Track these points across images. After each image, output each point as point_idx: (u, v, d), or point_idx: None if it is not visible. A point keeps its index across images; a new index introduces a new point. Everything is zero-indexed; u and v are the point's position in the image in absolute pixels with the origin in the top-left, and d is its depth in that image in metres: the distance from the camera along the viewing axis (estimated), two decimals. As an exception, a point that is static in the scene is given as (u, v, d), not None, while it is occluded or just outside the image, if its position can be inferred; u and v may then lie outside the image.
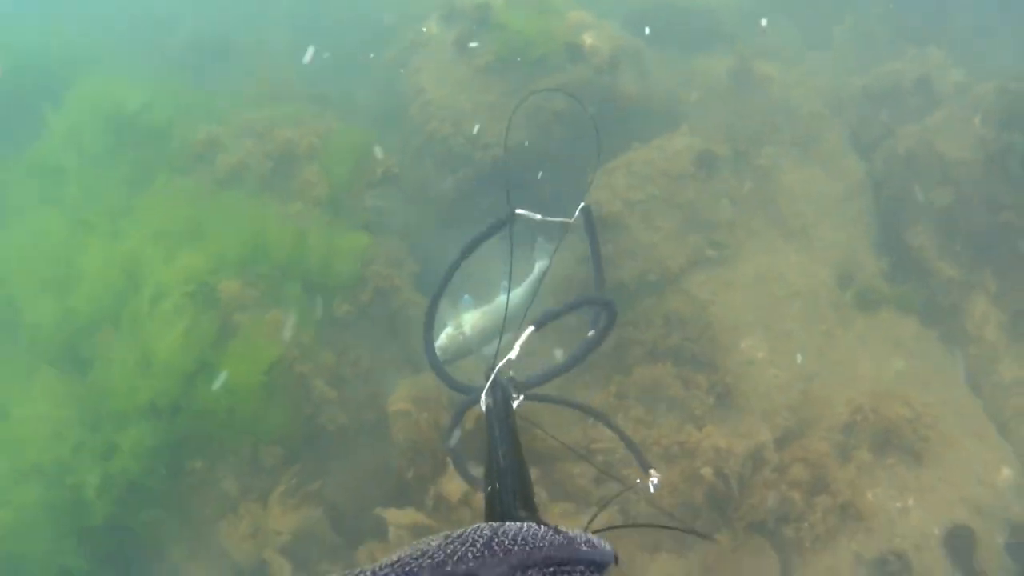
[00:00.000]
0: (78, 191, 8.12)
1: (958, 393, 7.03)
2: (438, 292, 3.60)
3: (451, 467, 5.88)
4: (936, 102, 8.25)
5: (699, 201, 7.54)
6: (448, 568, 0.91)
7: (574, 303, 3.67)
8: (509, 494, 1.92)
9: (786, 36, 10.36)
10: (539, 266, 6.70)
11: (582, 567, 0.95)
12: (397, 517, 5.65)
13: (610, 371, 6.78)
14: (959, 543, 6.06)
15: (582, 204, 3.68)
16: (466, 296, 6.61)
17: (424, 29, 8.98)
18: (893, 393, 6.58)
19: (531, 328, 3.24)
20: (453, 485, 5.85)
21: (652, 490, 4.07)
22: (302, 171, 7.93)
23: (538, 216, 3.43)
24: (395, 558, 0.96)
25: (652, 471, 4.15)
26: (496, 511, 1.87)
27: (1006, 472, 6.47)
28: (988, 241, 7.44)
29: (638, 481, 4.05)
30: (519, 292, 6.49)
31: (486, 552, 0.95)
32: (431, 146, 8.37)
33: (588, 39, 8.22)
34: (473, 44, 8.31)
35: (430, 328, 3.64)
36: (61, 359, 7.19)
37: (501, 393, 3.03)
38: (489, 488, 2.03)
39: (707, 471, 5.70)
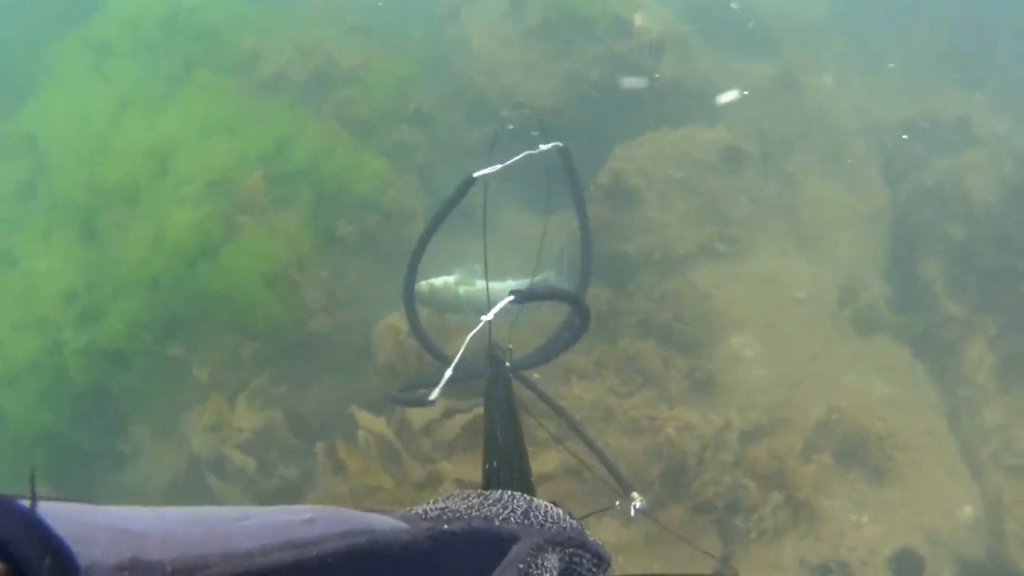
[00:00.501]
0: (125, 73, 8.30)
1: (937, 428, 6.97)
2: (413, 260, 3.57)
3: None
4: (972, 143, 8.21)
5: (719, 193, 7.56)
6: (496, 523, 0.93)
7: (557, 293, 3.67)
8: (508, 472, 1.97)
9: (841, 57, 10.34)
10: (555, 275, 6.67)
11: (590, 556, 0.98)
12: (369, 421, 5.71)
13: (595, 338, 6.81)
14: (906, 567, 6.03)
15: (559, 143, 3.63)
16: (477, 266, 6.65)
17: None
18: (872, 409, 6.58)
19: (510, 299, 3.18)
20: (417, 413, 5.92)
21: (633, 513, 4.06)
22: (339, 92, 8.03)
23: (498, 166, 3.39)
24: (442, 504, 0.99)
25: (635, 495, 4.15)
26: (492, 487, 1.81)
27: (968, 510, 6.43)
28: (997, 285, 7.39)
29: (617, 504, 4.03)
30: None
31: (524, 521, 0.96)
32: (465, 95, 8.46)
33: (639, 18, 8.26)
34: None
35: (411, 300, 3.61)
36: (79, 225, 7.37)
37: (502, 370, 3.10)
38: (487, 466, 2.08)
39: (669, 433, 5.71)
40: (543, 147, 3.60)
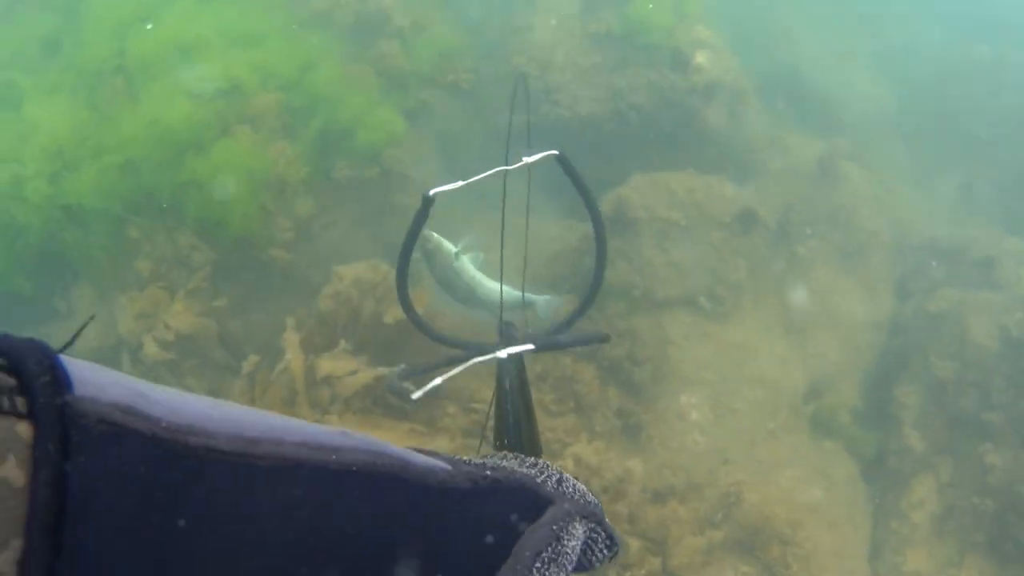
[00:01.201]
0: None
1: (853, 553, 6.75)
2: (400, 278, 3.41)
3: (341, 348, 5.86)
4: (991, 286, 7.90)
5: (720, 250, 7.35)
6: (539, 481, 0.93)
7: (579, 340, 3.50)
8: (519, 451, 1.79)
9: (894, 156, 10.07)
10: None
11: (604, 536, 0.97)
12: (292, 339, 5.63)
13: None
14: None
15: (554, 151, 3.38)
16: (480, 254, 6.44)
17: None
18: (791, 511, 6.36)
19: (531, 347, 3.13)
20: (337, 363, 5.83)
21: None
22: (381, 44, 7.95)
23: (460, 183, 3.21)
24: (480, 459, 0.98)
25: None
26: None
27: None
28: (964, 434, 7.11)
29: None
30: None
31: (558, 488, 0.96)
32: (510, 81, 8.32)
33: (700, 56, 8.06)
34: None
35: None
36: (88, 90, 7.40)
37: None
38: (498, 443, 2.09)
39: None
40: (526, 159, 3.30)
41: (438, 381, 2.95)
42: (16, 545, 0.49)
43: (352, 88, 7.38)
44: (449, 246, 6.41)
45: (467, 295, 5.82)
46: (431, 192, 3.16)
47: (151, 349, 6.10)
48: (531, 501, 0.83)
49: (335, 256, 6.97)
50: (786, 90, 9.83)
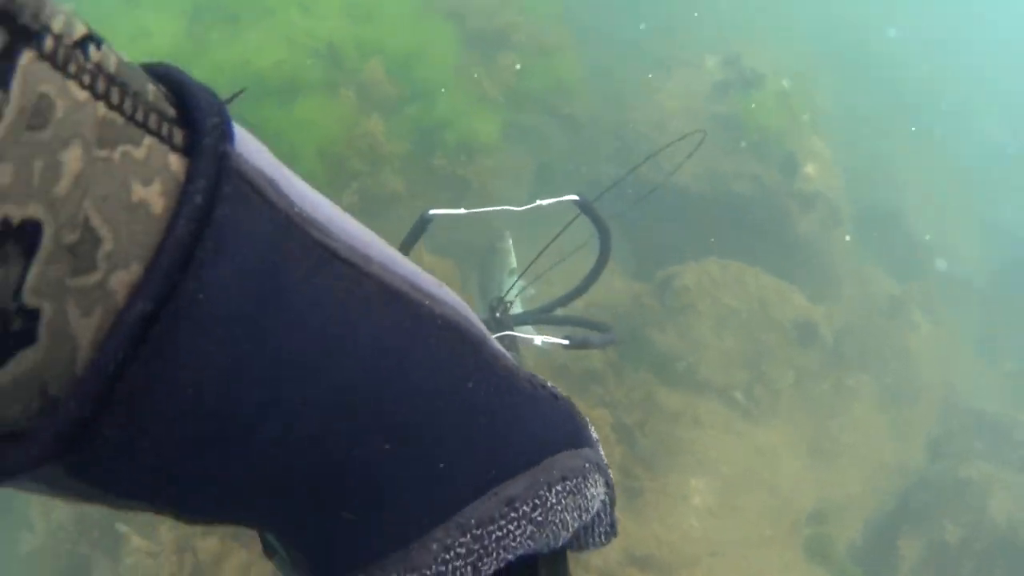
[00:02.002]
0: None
1: None
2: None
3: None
4: (1025, 470, 7.84)
5: (773, 351, 7.44)
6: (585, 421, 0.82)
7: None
8: None
9: (966, 321, 10.03)
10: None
11: (609, 519, 0.81)
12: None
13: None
14: None
15: (575, 196, 3.29)
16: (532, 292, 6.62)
17: (705, 61, 9.17)
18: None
19: (566, 341, 3.17)
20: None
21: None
22: (500, 56, 8.22)
23: (462, 210, 3.07)
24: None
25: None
26: None
27: None
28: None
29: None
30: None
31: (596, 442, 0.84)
32: (623, 133, 8.56)
33: (811, 167, 8.21)
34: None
35: None
36: (193, 15, 7.60)
37: (504, 323, 3.19)
38: None
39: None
40: (540, 202, 3.27)
41: None
42: (136, 269, 0.47)
43: (457, 88, 7.62)
44: (513, 260, 6.64)
45: (489, 291, 6.01)
46: (430, 212, 3.20)
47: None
48: (573, 432, 0.74)
49: (388, 233, 7.19)
50: (881, 224, 9.91)
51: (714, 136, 8.34)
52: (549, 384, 0.77)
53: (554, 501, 0.66)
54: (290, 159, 5.88)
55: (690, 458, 6.95)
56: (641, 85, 9.00)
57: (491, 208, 3.19)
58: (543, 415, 0.72)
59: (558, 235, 3.37)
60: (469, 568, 0.60)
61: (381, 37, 7.56)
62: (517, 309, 3.94)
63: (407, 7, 8.12)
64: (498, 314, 3.55)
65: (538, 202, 3.12)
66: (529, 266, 4.17)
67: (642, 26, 9.38)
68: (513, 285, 3.76)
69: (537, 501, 0.65)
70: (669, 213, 8.11)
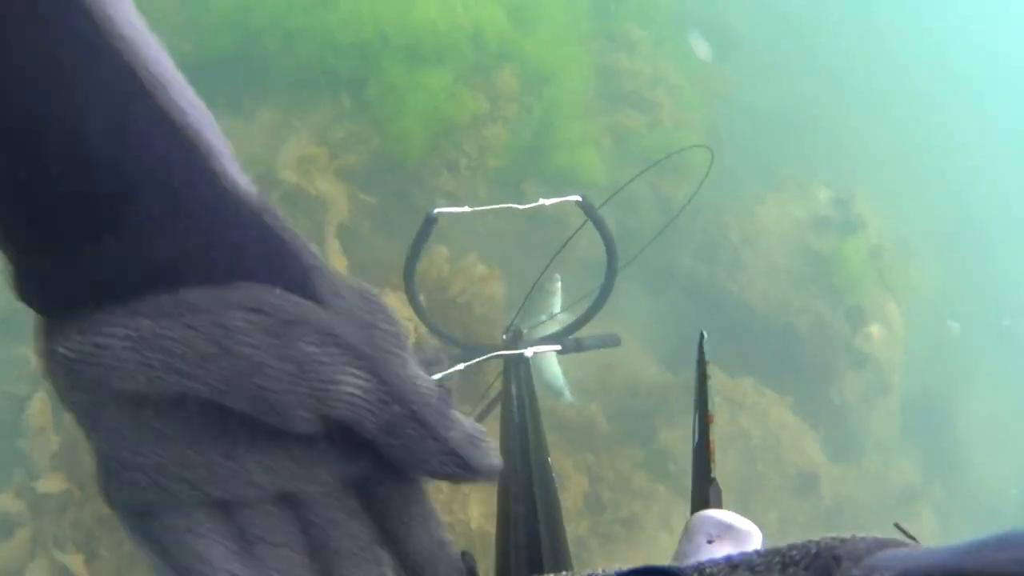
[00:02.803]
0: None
1: None
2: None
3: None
4: None
5: (766, 488, 7.28)
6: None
7: (596, 341, 3.57)
8: (523, 453, 1.98)
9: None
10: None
11: None
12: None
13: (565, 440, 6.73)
14: None
15: (578, 196, 3.19)
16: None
17: (819, 192, 9.06)
18: None
19: (558, 348, 3.29)
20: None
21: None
22: (628, 111, 8.29)
23: (467, 208, 3.12)
24: None
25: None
26: (509, 466, 1.89)
27: None
28: None
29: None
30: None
31: None
32: (711, 225, 8.48)
33: (876, 328, 8.02)
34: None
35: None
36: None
37: (521, 349, 3.07)
38: (503, 446, 2.08)
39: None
40: (543, 201, 3.20)
41: (460, 367, 2.90)
42: None
43: (576, 116, 7.67)
44: (557, 304, 6.67)
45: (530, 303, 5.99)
46: (435, 211, 3.19)
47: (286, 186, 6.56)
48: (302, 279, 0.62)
49: (466, 240, 7.25)
50: (929, 427, 9.64)
51: (795, 267, 8.26)
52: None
53: (241, 327, 0.57)
54: (395, 114, 5.99)
55: (643, 555, 6.82)
56: (748, 192, 8.93)
57: (495, 206, 3.23)
58: (257, 239, 0.61)
59: (563, 246, 3.34)
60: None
61: (529, 42, 7.65)
62: (533, 335, 3.95)
63: (569, 29, 8.21)
64: (506, 336, 3.54)
65: (541, 201, 3.12)
66: (539, 277, 4.18)
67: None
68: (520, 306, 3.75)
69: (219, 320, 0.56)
70: (724, 318, 8.03)
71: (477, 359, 3.05)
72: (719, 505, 1.24)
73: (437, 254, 6.54)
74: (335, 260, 6.37)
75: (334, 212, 6.80)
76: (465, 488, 6.12)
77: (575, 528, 6.53)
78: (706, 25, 10.95)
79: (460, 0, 7.34)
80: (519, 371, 2.80)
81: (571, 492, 6.29)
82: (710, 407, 1.32)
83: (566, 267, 7.23)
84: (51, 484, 4.94)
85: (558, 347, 3.32)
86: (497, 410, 2.98)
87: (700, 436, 1.32)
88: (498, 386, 3.75)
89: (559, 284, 6.74)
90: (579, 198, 3.08)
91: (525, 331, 3.71)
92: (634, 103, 8.43)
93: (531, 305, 6.35)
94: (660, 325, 8.18)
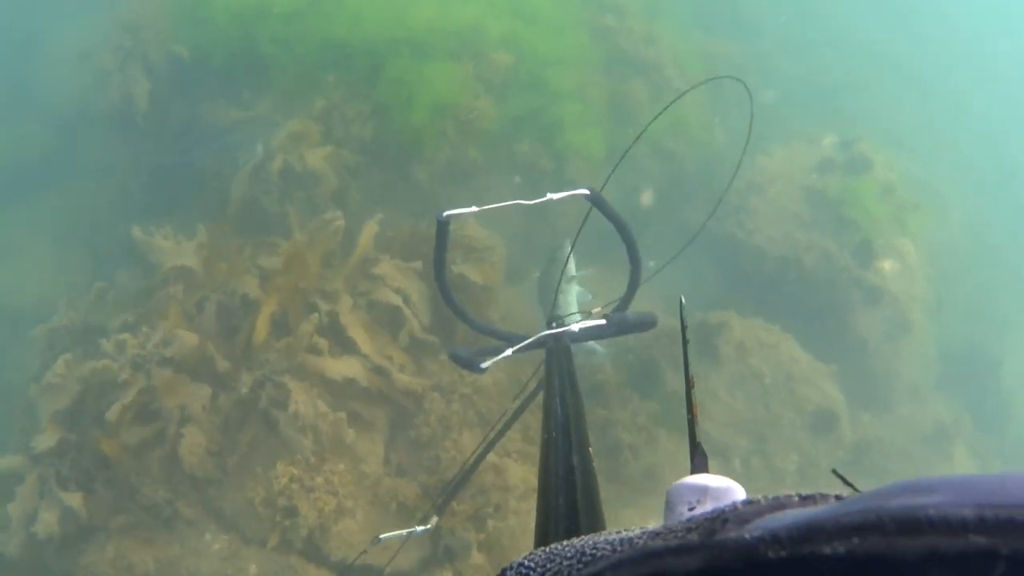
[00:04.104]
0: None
1: None
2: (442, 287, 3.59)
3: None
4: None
5: (782, 429, 7.15)
6: None
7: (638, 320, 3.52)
8: (566, 444, 2.02)
9: None
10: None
11: None
12: (370, 230, 6.13)
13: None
14: None
15: (585, 191, 3.25)
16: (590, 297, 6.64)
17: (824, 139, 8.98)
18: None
19: (603, 322, 3.28)
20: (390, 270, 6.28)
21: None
22: (633, 80, 8.33)
23: (474, 208, 3.18)
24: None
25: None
26: (550, 460, 1.95)
27: None
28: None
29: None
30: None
31: None
32: (717, 179, 8.45)
33: (888, 263, 7.87)
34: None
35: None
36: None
37: (561, 343, 3.14)
38: (545, 436, 2.14)
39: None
40: (550, 195, 3.21)
41: (508, 352, 3.02)
42: None
43: (577, 98, 7.79)
44: (572, 267, 6.70)
45: (547, 300, 6.00)
46: (444, 214, 3.16)
47: (277, 165, 6.79)
48: None
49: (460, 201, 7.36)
50: (966, 366, 9.34)
51: (801, 208, 8.18)
52: None
53: None
54: (404, 103, 6.20)
55: (657, 504, 6.73)
56: (754, 147, 8.89)
57: (503, 203, 3.25)
58: None
59: (579, 232, 3.38)
60: None
61: (527, 30, 7.84)
62: (575, 318, 3.96)
63: (567, 18, 8.37)
64: (554, 324, 3.58)
65: (548, 196, 3.16)
66: (564, 267, 4.16)
67: (770, 93, 9.24)
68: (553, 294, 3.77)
69: None
70: (736, 267, 7.98)
71: (526, 342, 3.10)
72: (704, 469, 1.39)
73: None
74: (336, 224, 6.50)
75: (325, 186, 7.04)
76: (509, 478, 6.15)
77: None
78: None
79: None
80: (561, 362, 2.84)
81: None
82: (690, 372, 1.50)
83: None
84: (49, 437, 5.25)
85: (603, 321, 3.31)
86: (539, 400, 2.96)
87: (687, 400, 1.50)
88: (533, 384, 3.80)
89: (570, 249, 6.76)
90: (587, 192, 3.15)
91: (564, 319, 3.75)
92: (639, 73, 8.54)
93: (549, 280, 6.40)
94: (668, 275, 8.14)
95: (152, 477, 5.60)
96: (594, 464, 1.97)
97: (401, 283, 6.37)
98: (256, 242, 6.63)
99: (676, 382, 7.00)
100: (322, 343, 5.86)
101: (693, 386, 1.51)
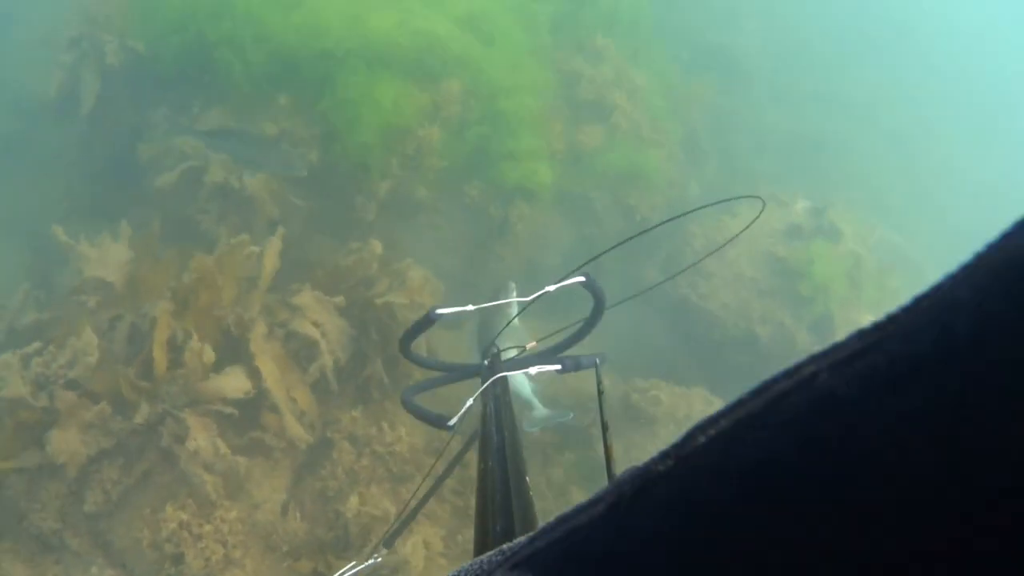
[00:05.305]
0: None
1: None
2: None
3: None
4: None
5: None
6: None
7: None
8: (503, 473, 2.01)
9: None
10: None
11: None
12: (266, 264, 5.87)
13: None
14: None
15: (582, 278, 3.17)
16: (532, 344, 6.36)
17: (796, 203, 8.66)
18: None
19: (559, 366, 3.37)
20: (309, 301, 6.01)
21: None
22: (588, 124, 8.05)
23: (470, 307, 3.23)
24: None
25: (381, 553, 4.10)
26: (487, 487, 1.95)
27: None
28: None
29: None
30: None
31: None
32: (676, 236, 8.17)
33: (870, 317, 7.55)
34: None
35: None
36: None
37: (498, 370, 3.16)
38: (482, 466, 2.12)
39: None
40: (548, 288, 3.20)
41: (469, 403, 3.01)
42: None
43: (532, 129, 7.48)
44: (514, 309, 6.43)
45: (487, 336, 5.71)
46: (437, 311, 3.19)
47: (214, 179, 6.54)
48: None
49: (405, 245, 7.09)
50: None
51: (762, 275, 7.88)
52: None
53: None
54: (351, 125, 5.95)
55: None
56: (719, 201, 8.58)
57: (500, 302, 3.54)
58: None
59: (543, 292, 3.25)
60: None
61: (485, 57, 7.54)
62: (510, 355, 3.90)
63: (524, 47, 8.07)
64: (487, 361, 3.59)
65: (546, 289, 3.09)
66: (521, 311, 4.07)
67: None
68: (503, 328, 3.77)
69: None
70: (686, 327, 7.69)
71: (492, 380, 3.06)
72: None
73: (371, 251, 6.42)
74: (270, 258, 6.24)
75: (261, 212, 6.76)
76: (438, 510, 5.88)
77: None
78: (698, 38, 10.76)
79: (417, 13, 7.33)
80: (496, 391, 2.85)
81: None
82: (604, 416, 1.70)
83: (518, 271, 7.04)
84: None
85: (559, 367, 3.38)
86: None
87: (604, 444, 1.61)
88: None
89: (514, 292, 6.48)
90: (583, 279, 3.08)
91: (500, 351, 3.73)
92: (595, 116, 8.24)
93: (492, 318, 6.12)
94: (618, 334, 7.84)
95: (42, 503, 5.34)
96: (531, 493, 1.97)
97: (320, 316, 6.08)
98: (182, 256, 6.35)
99: (596, 435, 6.70)
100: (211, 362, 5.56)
101: (608, 430, 1.76)
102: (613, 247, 2.92)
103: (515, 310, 6.43)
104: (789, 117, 11.12)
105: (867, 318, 7.81)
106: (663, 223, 3.36)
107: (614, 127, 8.05)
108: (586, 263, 3.02)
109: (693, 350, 7.56)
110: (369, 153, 6.89)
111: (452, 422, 3.20)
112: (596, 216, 7.96)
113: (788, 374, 0.53)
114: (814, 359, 0.51)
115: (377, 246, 6.48)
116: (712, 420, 0.56)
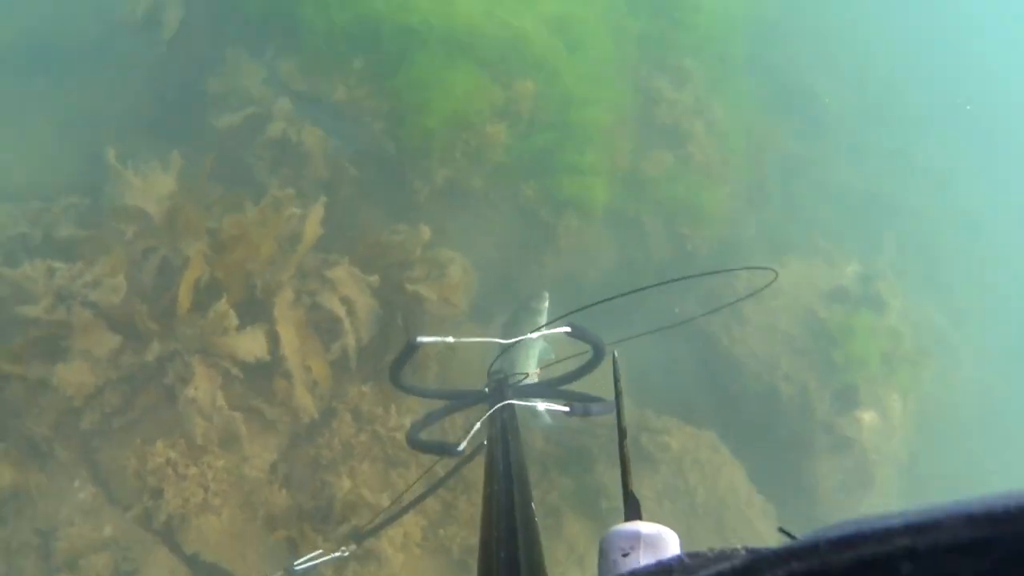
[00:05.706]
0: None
1: None
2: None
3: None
4: None
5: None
6: None
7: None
8: (507, 498, 2.01)
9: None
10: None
11: None
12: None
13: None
14: None
15: (567, 328, 3.30)
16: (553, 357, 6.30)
17: (848, 266, 8.47)
18: None
19: (567, 408, 3.35)
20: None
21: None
22: (657, 149, 7.91)
23: (450, 339, 3.28)
24: None
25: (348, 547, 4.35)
26: (492, 513, 1.94)
27: None
28: None
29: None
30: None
31: None
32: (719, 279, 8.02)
33: (868, 415, 7.37)
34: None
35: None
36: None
37: (506, 396, 3.17)
38: (487, 490, 2.13)
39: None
40: (531, 335, 3.34)
41: (476, 427, 3.07)
42: None
43: (599, 144, 7.39)
44: (543, 322, 6.35)
45: (513, 352, 5.66)
46: (417, 340, 3.29)
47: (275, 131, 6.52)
48: None
49: (451, 232, 7.04)
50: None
51: (797, 332, 7.72)
52: None
53: None
54: (420, 107, 5.89)
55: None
56: (771, 250, 8.42)
57: (479, 339, 3.48)
58: None
59: (523, 338, 3.45)
60: None
61: (567, 63, 7.44)
62: (522, 376, 3.99)
63: (608, 59, 7.95)
64: (487, 389, 3.62)
65: (529, 335, 3.29)
66: (502, 352, 4.08)
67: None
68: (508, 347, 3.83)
69: None
70: (710, 368, 7.58)
71: (494, 407, 3.09)
72: (638, 517, 1.41)
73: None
74: (312, 224, 6.23)
75: (314, 170, 6.75)
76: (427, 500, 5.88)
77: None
78: (786, 77, 10.52)
79: (507, 5, 7.23)
80: (503, 416, 2.86)
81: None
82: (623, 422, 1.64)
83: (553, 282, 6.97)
84: None
85: (566, 408, 3.39)
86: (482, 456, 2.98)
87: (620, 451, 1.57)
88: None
89: (546, 304, 6.39)
90: (568, 329, 3.21)
91: (508, 376, 3.76)
92: (668, 142, 8.09)
93: (518, 322, 6.07)
94: (649, 358, 7.75)
95: (40, 408, 5.41)
96: (536, 520, 1.95)
97: (351, 292, 6.06)
98: (227, 200, 6.37)
99: (601, 470, 6.66)
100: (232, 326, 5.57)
101: (626, 437, 1.63)
102: (603, 300, 2.95)
103: (543, 320, 6.37)
104: (861, 172, 10.85)
105: (893, 398, 7.67)
106: (664, 282, 3.41)
107: (687, 156, 7.90)
108: (575, 311, 3.09)
109: (714, 391, 7.44)
110: (432, 138, 6.83)
111: (461, 447, 3.26)
112: (645, 241, 7.85)
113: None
114: None
115: (425, 232, 6.45)
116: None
